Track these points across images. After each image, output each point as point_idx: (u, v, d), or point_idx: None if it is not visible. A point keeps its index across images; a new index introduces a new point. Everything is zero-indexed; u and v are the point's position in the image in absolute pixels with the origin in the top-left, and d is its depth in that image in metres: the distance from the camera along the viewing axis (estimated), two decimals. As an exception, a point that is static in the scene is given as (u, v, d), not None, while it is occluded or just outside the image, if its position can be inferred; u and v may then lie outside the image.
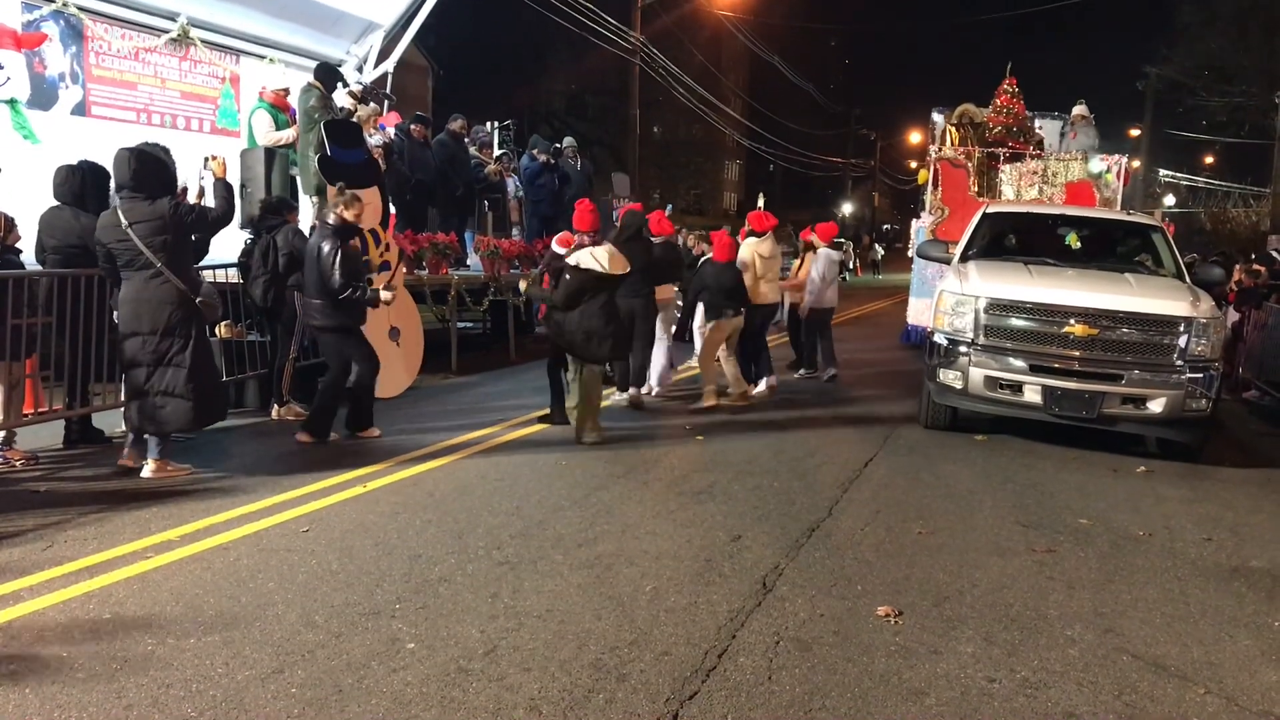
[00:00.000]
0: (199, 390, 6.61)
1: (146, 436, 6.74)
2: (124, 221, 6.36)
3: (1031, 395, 8.28)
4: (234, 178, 8.44)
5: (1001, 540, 6.01)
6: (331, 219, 7.80)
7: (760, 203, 11.36)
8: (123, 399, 7.14)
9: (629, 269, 8.32)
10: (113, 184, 6.84)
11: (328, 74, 11.10)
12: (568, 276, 7.95)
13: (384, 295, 8.09)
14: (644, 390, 9.92)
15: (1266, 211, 28.47)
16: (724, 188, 68.45)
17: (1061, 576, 5.42)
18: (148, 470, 6.63)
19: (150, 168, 6.49)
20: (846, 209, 69.92)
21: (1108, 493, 7.34)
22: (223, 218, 6.97)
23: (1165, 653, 4.47)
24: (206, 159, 7.50)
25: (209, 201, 7.06)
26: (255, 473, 6.85)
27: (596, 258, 7.96)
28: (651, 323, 9.72)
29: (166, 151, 6.76)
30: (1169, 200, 49.31)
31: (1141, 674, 4.22)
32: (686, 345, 10.84)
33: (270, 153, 10.75)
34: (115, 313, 7.51)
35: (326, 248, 7.56)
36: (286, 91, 11.14)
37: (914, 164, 52.82)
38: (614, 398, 9.70)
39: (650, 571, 5.16)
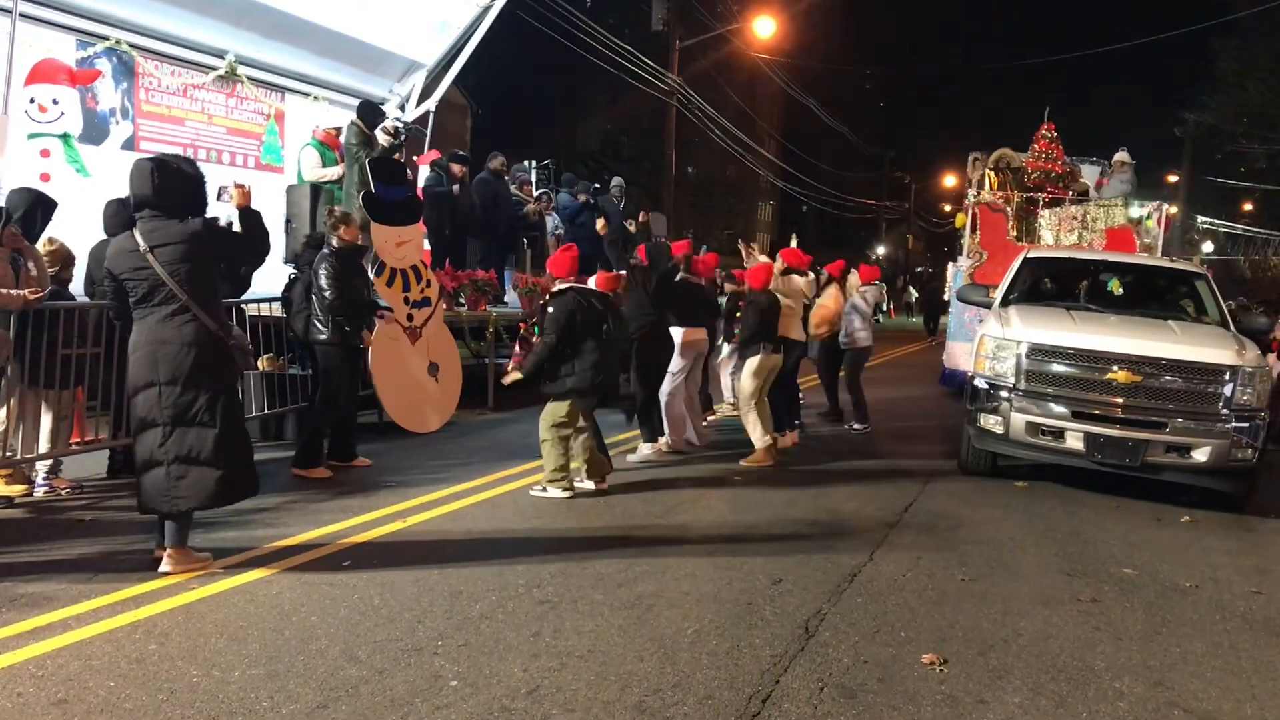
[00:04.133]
0: (230, 458, 5.32)
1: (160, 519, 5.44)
2: (143, 245, 5.19)
3: (1074, 442, 8.19)
4: (268, 208, 8.15)
5: (1046, 589, 5.93)
6: (334, 242, 7.95)
7: (793, 242, 11.27)
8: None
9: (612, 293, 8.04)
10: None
11: (369, 112, 11.29)
12: (552, 308, 7.46)
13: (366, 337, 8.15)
14: (663, 442, 9.26)
15: (1309, 261, 28.12)
16: (758, 228, 68.51)
17: (1108, 627, 5.34)
18: (166, 564, 5.34)
19: (176, 182, 5.32)
20: (880, 250, 69.82)
21: (1152, 542, 7.23)
22: (261, 248, 5.93)
23: (1218, 708, 4.38)
24: (221, 189, 6.67)
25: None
26: (294, 505, 6.89)
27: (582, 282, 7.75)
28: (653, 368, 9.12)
29: (193, 164, 5.56)
30: (1207, 247, 48.82)
31: (1194, 729, 4.14)
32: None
33: (315, 189, 10.95)
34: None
35: (321, 269, 7.78)
36: (338, 131, 11.33)
37: (949, 207, 52.71)
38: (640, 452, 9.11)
39: (691, 613, 5.13)
